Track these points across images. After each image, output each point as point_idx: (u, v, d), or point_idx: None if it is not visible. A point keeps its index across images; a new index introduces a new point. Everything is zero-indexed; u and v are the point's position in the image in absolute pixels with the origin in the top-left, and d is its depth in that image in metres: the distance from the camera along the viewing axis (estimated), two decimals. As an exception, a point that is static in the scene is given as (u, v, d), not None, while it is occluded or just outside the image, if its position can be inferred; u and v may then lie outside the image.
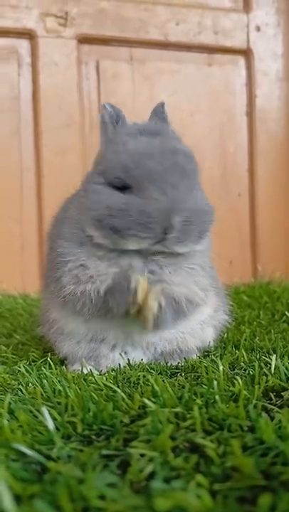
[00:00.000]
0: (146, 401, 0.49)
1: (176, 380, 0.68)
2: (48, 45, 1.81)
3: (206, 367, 0.65)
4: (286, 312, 1.15)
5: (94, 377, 0.66)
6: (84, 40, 1.85)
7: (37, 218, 1.81)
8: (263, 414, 0.47)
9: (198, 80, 1.97)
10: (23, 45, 1.82)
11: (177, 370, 0.74)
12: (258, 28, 1.99)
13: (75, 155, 1.82)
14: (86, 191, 0.77)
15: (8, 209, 1.78)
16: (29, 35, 1.80)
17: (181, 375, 0.71)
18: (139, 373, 0.66)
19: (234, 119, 2.01)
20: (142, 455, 0.42)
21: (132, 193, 0.71)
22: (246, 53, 2.00)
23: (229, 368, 0.70)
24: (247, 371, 0.67)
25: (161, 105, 0.86)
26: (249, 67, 2.00)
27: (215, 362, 0.71)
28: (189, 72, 1.96)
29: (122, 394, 0.55)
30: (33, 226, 1.80)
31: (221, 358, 0.75)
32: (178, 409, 0.48)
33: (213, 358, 0.75)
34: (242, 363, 0.71)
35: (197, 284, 0.78)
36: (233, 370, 0.68)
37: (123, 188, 0.72)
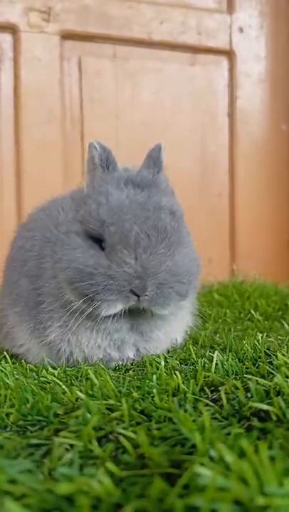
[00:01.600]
0: (79, 393, 0.51)
1: (128, 374, 0.69)
2: (31, 40, 1.81)
3: (150, 362, 0.67)
4: (251, 310, 1.18)
5: (46, 371, 0.67)
6: (67, 36, 1.85)
7: (16, 213, 1.81)
8: (188, 406, 0.48)
9: (181, 79, 1.98)
10: (6, 40, 1.82)
11: (132, 366, 0.76)
12: (240, 30, 2.01)
13: (56, 151, 1.82)
14: (61, 240, 0.72)
15: (-13, 203, 1.79)
16: (12, 29, 1.80)
17: (133, 370, 0.73)
18: (87, 367, 0.68)
19: (216, 120, 2.02)
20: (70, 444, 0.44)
21: (106, 249, 0.69)
22: (229, 54, 2.02)
23: (181, 363, 0.72)
24: (194, 366, 0.69)
25: (158, 149, 0.79)
26: (232, 69, 2.02)
27: (166, 358, 0.73)
28: (172, 71, 1.97)
29: (64, 386, 0.56)
30: (12, 221, 1.80)
31: (174, 354, 0.77)
32: (111, 402, 0.50)
33: (165, 354, 0.77)
34: (192, 359, 0.73)
35: (183, 330, 0.86)
36: (181, 365, 0.70)
37: (99, 239, 0.70)
